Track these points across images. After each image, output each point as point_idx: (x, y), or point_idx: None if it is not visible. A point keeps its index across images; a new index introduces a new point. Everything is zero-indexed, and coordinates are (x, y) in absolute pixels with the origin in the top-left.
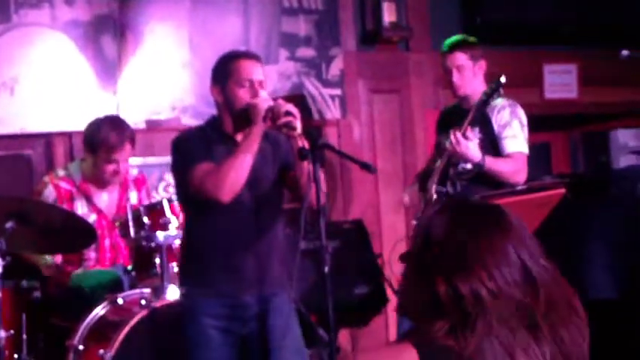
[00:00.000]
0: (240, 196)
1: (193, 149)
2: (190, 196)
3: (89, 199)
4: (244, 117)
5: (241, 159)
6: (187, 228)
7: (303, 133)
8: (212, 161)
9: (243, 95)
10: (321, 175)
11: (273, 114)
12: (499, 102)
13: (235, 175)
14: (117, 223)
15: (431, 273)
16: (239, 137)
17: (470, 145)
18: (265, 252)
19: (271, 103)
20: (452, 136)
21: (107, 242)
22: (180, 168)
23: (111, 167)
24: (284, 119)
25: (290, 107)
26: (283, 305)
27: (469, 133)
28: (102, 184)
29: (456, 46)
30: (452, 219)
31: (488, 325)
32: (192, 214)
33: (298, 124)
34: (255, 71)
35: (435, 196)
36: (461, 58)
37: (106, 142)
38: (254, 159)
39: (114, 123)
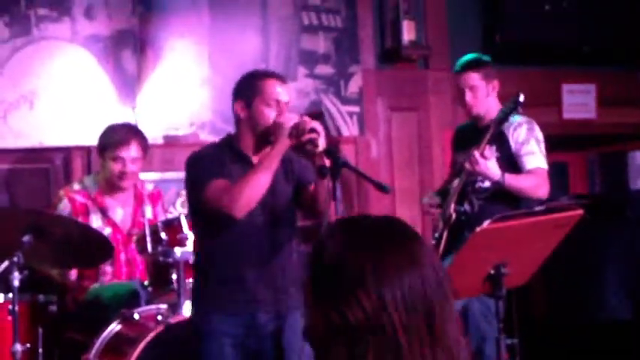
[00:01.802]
0: (253, 214)
1: (209, 166)
2: (203, 212)
3: (104, 212)
4: (267, 135)
5: (262, 176)
6: (200, 246)
7: (324, 152)
8: (227, 179)
9: (269, 114)
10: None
11: (297, 131)
12: (515, 120)
13: (254, 191)
14: (134, 239)
15: (323, 299)
16: (255, 157)
17: (489, 164)
18: (279, 270)
19: (297, 120)
20: (471, 156)
21: (123, 257)
22: (195, 184)
23: (117, 167)
24: (308, 136)
25: (315, 124)
26: (298, 323)
27: (487, 151)
28: (114, 190)
29: (468, 66)
30: (343, 242)
31: (381, 352)
32: (204, 231)
33: (321, 142)
34: (282, 92)
35: (453, 216)
36: (473, 78)
37: (110, 139)
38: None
39: (121, 124)
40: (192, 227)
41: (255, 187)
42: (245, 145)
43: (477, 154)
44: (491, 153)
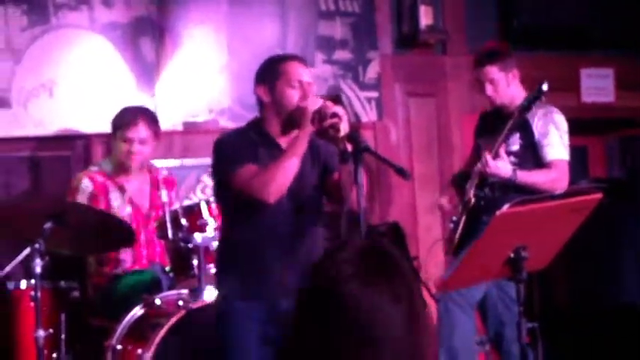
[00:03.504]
0: (280, 199)
1: (237, 151)
2: (231, 197)
3: (123, 191)
4: (292, 119)
5: (289, 162)
6: (225, 231)
7: (346, 136)
8: (256, 163)
9: (292, 95)
10: (364, 178)
11: (319, 115)
12: (540, 109)
13: (283, 177)
14: (155, 224)
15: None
16: (282, 140)
17: (499, 164)
18: (305, 255)
19: (320, 104)
20: (482, 158)
21: (142, 238)
22: (223, 169)
23: (125, 146)
24: (330, 121)
25: (337, 109)
26: None
27: (501, 150)
28: (127, 172)
29: (485, 60)
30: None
31: None
32: (230, 216)
33: (343, 127)
34: (304, 73)
35: (473, 200)
36: (492, 71)
37: (120, 120)
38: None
39: (133, 106)
40: (219, 212)
41: (285, 173)
42: (271, 128)
43: (488, 156)
44: (504, 151)
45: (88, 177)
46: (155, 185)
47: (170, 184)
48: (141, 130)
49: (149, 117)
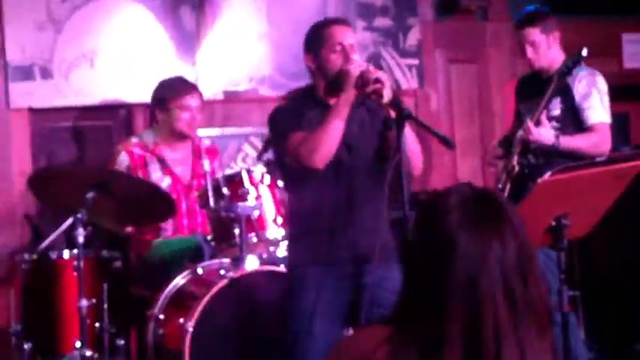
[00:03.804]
0: (341, 163)
1: (287, 119)
2: (289, 166)
3: (163, 163)
4: (336, 82)
5: (331, 125)
6: (291, 199)
7: (389, 103)
8: (307, 129)
9: (336, 60)
10: (418, 144)
11: (362, 81)
12: (580, 72)
13: (326, 140)
14: (197, 194)
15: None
16: (333, 102)
17: (542, 131)
18: (373, 219)
19: (363, 68)
20: (524, 125)
21: (184, 207)
22: (277, 141)
23: (185, 115)
24: (372, 87)
25: (380, 75)
26: (395, 274)
27: (543, 117)
28: (174, 142)
29: (526, 22)
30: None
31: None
32: (294, 184)
33: (386, 93)
34: (346, 36)
35: (516, 168)
36: (533, 33)
37: (174, 89)
38: (350, 125)
39: (175, 76)
40: (283, 180)
41: (327, 137)
42: (321, 92)
43: (530, 123)
44: (546, 118)
45: (126, 150)
46: (197, 154)
47: (212, 153)
48: (197, 98)
49: (197, 87)
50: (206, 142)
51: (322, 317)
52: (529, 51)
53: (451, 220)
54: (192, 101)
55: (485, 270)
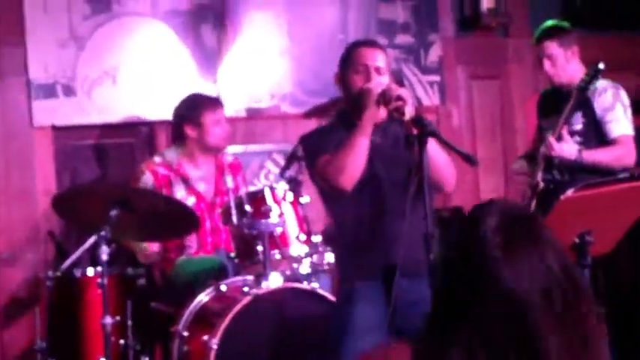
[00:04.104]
0: (377, 178)
1: (316, 142)
2: (323, 189)
3: (187, 183)
4: (359, 101)
5: (355, 143)
6: (332, 216)
7: (412, 120)
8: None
9: (358, 80)
10: (448, 159)
11: (384, 98)
12: (600, 84)
13: (352, 160)
14: (219, 210)
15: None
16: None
17: (564, 146)
18: (408, 234)
19: (384, 86)
20: (546, 141)
21: (208, 225)
22: (309, 162)
23: (218, 129)
24: (394, 104)
25: (402, 92)
26: (420, 290)
27: (564, 132)
28: (206, 154)
29: (544, 35)
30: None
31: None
32: (333, 202)
33: (408, 110)
34: (371, 57)
35: (541, 184)
36: (550, 46)
37: (203, 104)
38: (385, 140)
39: (198, 93)
40: (322, 200)
41: (352, 155)
42: (351, 114)
43: (552, 139)
44: (567, 133)
45: (150, 170)
46: (221, 171)
47: (236, 168)
48: (223, 111)
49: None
50: (229, 158)
51: (363, 332)
52: (547, 64)
53: (492, 244)
54: (221, 115)
55: (530, 295)
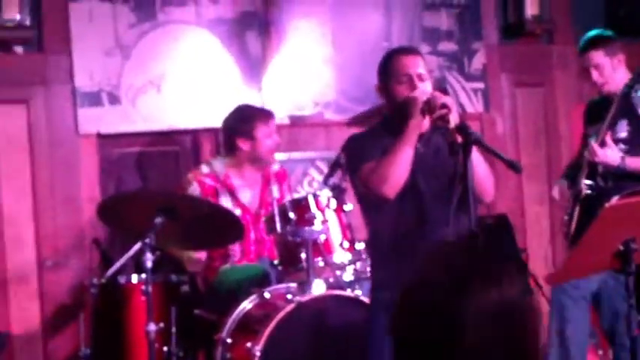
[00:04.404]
0: (418, 188)
1: (360, 150)
2: (363, 195)
3: (233, 194)
4: (404, 110)
5: (399, 152)
6: (371, 224)
7: (456, 128)
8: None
9: (403, 91)
10: (488, 170)
11: (429, 107)
12: None
13: (396, 168)
14: (263, 219)
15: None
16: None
17: (607, 152)
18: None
19: (429, 95)
20: (589, 147)
21: (252, 236)
22: (350, 169)
23: (270, 141)
24: (439, 112)
25: (446, 100)
26: None
27: (607, 138)
28: (255, 165)
29: (589, 45)
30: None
31: None
32: (373, 210)
33: (452, 118)
34: (412, 65)
35: (585, 191)
36: (596, 56)
37: (256, 116)
38: (427, 150)
39: (248, 105)
40: (360, 208)
41: (396, 164)
42: (394, 123)
43: (595, 145)
44: (611, 139)
45: (197, 180)
46: (267, 181)
47: (282, 177)
48: (274, 123)
49: None
50: (275, 167)
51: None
52: (594, 74)
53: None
54: (273, 126)
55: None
